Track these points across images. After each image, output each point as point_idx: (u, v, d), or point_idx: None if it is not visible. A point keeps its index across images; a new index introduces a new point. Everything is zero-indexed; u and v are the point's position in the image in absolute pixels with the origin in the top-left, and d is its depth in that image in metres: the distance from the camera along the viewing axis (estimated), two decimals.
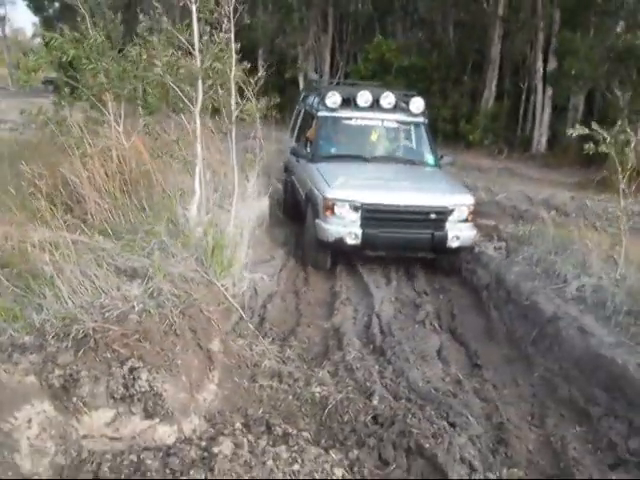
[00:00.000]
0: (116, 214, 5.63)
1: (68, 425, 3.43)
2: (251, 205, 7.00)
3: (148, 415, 3.55)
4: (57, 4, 34.71)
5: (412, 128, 9.27)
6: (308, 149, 9.05)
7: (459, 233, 7.55)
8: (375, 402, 4.51)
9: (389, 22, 20.17)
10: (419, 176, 8.57)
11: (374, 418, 4.29)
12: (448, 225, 7.54)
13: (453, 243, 7.54)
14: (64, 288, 4.15)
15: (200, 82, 5.67)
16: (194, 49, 5.52)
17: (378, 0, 19.63)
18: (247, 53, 17.82)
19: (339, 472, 3.71)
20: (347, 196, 7.50)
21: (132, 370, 3.57)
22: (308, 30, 20.09)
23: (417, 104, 8.98)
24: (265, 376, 4.73)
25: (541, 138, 17.71)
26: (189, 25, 5.54)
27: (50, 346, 3.66)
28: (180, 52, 5.61)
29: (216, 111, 6.34)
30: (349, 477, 3.70)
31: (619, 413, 4.55)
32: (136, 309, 4.05)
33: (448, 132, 18.40)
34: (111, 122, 6.51)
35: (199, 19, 5.51)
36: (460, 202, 7.67)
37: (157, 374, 3.63)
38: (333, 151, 8.97)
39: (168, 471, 3.23)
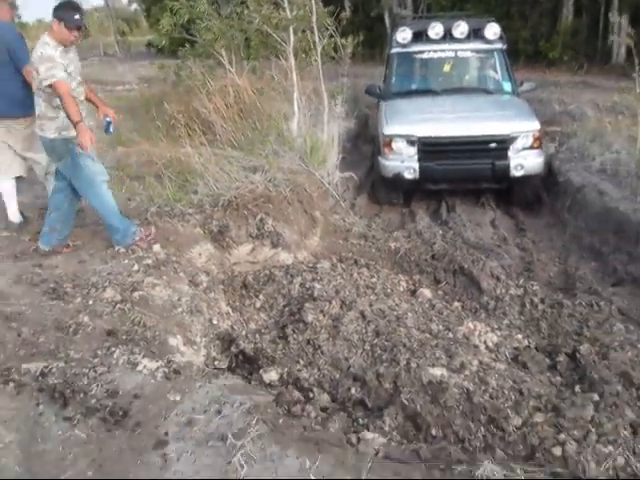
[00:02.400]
0: (237, 133, 7.52)
1: (223, 257, 5.37)
2: (339, 123, 8.64)
3: (274, 246, 5.46)
4: None
5: (488, 56, 8.85)
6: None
7: (523, 161, 7.31)
8: (435, 248, 6.19)
9: None
10: (487, 105, 8.14)
11: (432, 257, 6.00)
12: (510, 154, 7.32)
13: (517, 172, 7.32)
14: (210, 179, 6.07)
15: (291, 28, 7.39)
16: (283, 2, 7.23)
17: None
18: None
19: (404, 284, 5.49)
20: (403, 131, 7.52)
21: (261, 219, 5.48)
22: None
23: (493, 30, 8.59)
24: (354, 237, 6.53)
25: (620, 49, 18.15)
26: None
27: (207, 211, 5.60)
28: (272, 6, 7.32)
29: (307, 51, 8.04)
30: (412, 287, 5.46)
31: (622, 248, 6.02)
32: (259, 188, 5.92)
33: (529, 52, 19.10)
34: (225, 65, 8.35)
35: None
36: (524, 129, 7.39)
37: (278, 223, 5.52)
38: (404, 87, 8.88)
39: (289, 276, 5.09)
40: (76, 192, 4.82)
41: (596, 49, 19.20)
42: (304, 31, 7.57)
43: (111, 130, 4.75)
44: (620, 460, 2.85)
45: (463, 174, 7.51)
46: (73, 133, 4.39)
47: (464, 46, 8.66)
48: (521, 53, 18.76)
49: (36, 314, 3.81)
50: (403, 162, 7.45)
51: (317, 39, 7.53)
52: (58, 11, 4.39)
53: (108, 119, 4.68)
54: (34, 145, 5.08)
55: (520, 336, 4.54)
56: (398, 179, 7.55)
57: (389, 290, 5.17)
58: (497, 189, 7.90)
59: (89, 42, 38.73)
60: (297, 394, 3.29)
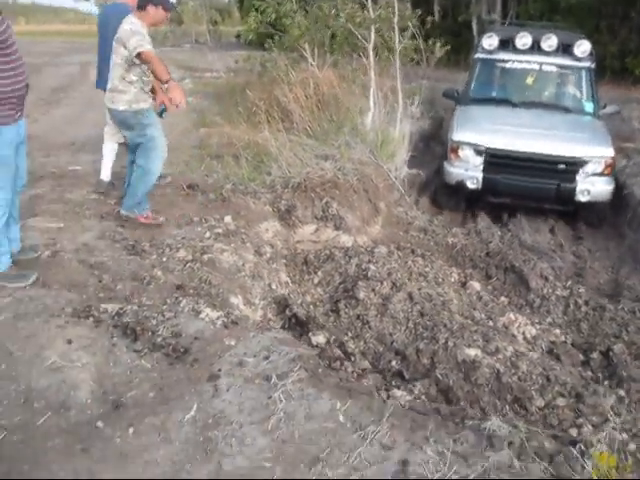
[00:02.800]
0: (314, 123, 7.93)
1: (289, 234, 5.78)
2: (413, 122, 8.95)
3: (336, 229, 5.84)
4: None
5: (573, 73, 8.63)
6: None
7: (591, 187, 7.16)
8: (490, 246, 6.43)
9: None
10: (563, 124, 7.93)
11: (487, 254, 6.24)
12: (579, 177, 7.18)
13: (582, 197, 7.18)
14: (283, 162, 6.50)
15: (372, 27, 7.75)
16: (367, 2, 7.59)
17: None
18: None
19: (456, 276, 5.77)
20: (472, 139, 7.48)
21: (327, 203, 5.87)
22: None
23: (583, 47, 8.33)
24: (415, 229, 6.83)
25: None
26: None
27: (277, 191, 6.03)
28: (357, 5, 7.70)
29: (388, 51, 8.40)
30: (462, 280, 5.74)
31: None
32: (328, 174, 6.30)
33: (615, 68, 18.86)
34: (308, 59, 8.78)
35: None
36: (596, 154, 7.25)
37: (342, 207, 5.90)
38: (483, 94, 8.76)
39: (347, 257, 5.46)
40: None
41: None
42: (385, 31, 7.89)
43: (163, 116, 5.26)
44: (632, 446, 3.07)
45: (527, 192, 7.35)
46: (142, 105, 4.85)
47: (550, 60, 8.43)
48: (607, 68, 18.51)
49: (116, 265, 4.29)
50: (467, 171, 7.43)
51: (397, 40, 7.84)
52: None
53: (163, 106, 5.21)
54: None
55: (558, 331, 4.77)
56: (460, 187, 7.53)
57: (440, 279, 5.46)
58: (562, 211, 7.70)
59: (182, 29, 40.08)
60: (339, 352, 3.66)
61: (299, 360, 3.15)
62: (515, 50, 8.50)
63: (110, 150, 5.83)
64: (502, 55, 8.60)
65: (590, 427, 3.27)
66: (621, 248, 6.94)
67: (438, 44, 8.64)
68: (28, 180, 4.29)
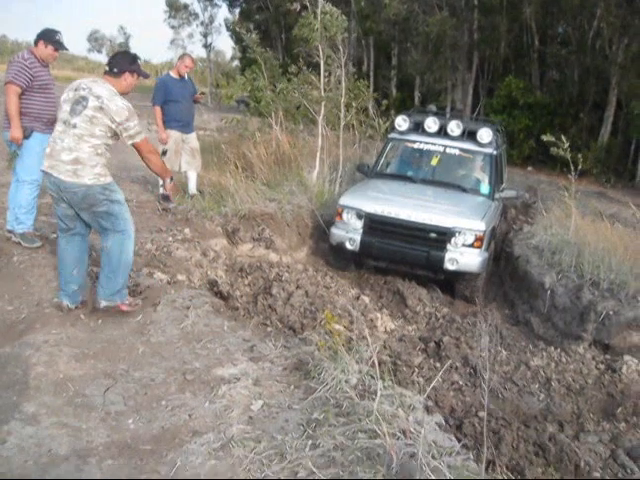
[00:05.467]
0: (270, 173, 10.03)
1: (232, 249, 7.74)
2: (347, 180, 11.01)
3: (267, 248, 7.82)
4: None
5: (475, 157, 9.18)
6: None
7: (459, 257, 7.54)
8: (387, 278, 8.38)
9: (524, 62, 23.49)
10: (448, 199, 8.27)
11: (384, 282, 8.19)
12: (449, 247, 7.58)
13: (451, 265, 7.55)
14: (237, 199, 8.52)
15: (322, 104, 9.95)
16: (320, 84, 9.81)
17: (515, 45, 23.15)
18: (405, 84, 22.53)
19: (353, 292, 7.71)
20: (354, 204, 7.94)
21: (262, 229, 7.87)
22: (454, 68, 23.94)
23: (484, 134, 8.95)
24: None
25: None
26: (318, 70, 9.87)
27: (228, 218, 8.03)
28: (309, 86, 9.93)
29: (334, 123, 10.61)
30: (357, 295, 7.67)
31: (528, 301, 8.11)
32: (269, 210, 8.33)
33: (564, 161, 21.31)
34: (273, 124, 10.97)
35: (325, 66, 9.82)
36: (466, 226, 7.60)
37: (274, 234, 7.91)
38: (388, 170, 9.38)
39: (271, 268, 7.40)
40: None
41: (626, 168, 21.28)
42: (332, 107, 10.10)
43: None
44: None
45: (400, 256, 7.77)
46: (109, 179, 4.53)
47: (454, 144, 9.00)
48: (557, 161, 20.96)
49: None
50: (347, 233, 7.91)
51: (342, 115, 10.04)
52: (133, 65, 4.67)
53: None
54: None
55: (410, 328, 6.73)
56: (341, 248, 8.06)
57: (339, 292, 7.41)
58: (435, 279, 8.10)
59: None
60: (238, 305, 5.61)
61: (210, 303, 5.10)
62: (424, 133, 9.21)
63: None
64: (410, 136, 9.28)
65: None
66: (497, 289, 8.93)
67: (382, 122, 10.79)
68: None
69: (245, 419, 3.33)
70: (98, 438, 3.10)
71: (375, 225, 7.81)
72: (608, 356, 6.26)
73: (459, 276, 7.83)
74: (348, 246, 7.91)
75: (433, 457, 3.00)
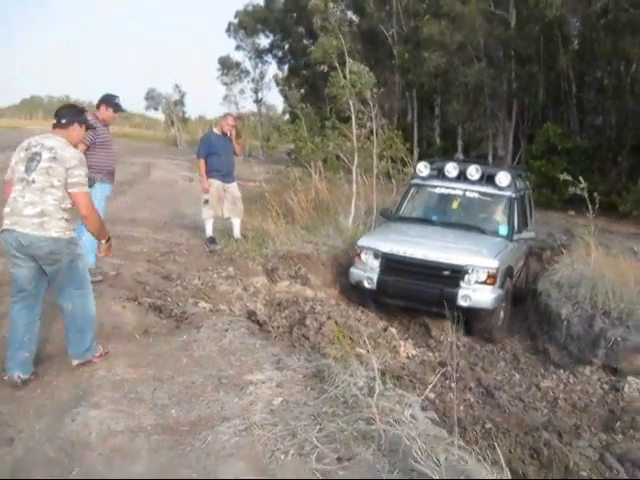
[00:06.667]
0: (309, 219, 10.88)
1: (271, 286, 8.53)
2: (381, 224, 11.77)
3: (303, 285, 8.59)
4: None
5: (494, 200, 9.36)
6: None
7: (472, 294, 7.74)
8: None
9: (563, 109, 24.05)
10: (466, 240, 8.52)
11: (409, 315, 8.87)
12: (462, 284, 7.80)
13: (463, 302, 7.72)
14: (277, 242, 9.36)
15: (356, 154, 10.81)
16: (352, 135, 10.69)
17: (553, 92, 23.77)
18: (448, 133, 23.60)
19: (382, 324, 8.39)
20: (372, 244, 8.35)
21: (299, 267, 8.67)
22: (494, 117, 24.68)
23: (502, 178, 9.18)
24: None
25: None
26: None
27: (268, 257, 8.86)
28: (344, 138, 10.82)
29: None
30: (386, 326, 8.34)
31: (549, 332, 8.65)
32: (305, 251, 9.13)
33: (604, 204, 21.59)
34: (312, 174, 11.89)
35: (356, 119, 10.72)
36: (479, 264, 7.85)
37: (309, 272, 8.69)
38: (411, 214, 9.70)
39: (306, 302, 8.13)
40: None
41: None
42: (365, 158, 10.96)
43: None
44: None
45: (415, 294, 7.98)
46: (74, 234, 4.58)
47: (474, 188, 9.31)
48: (597, 203, 21.22)
49: (154, 284, 7.12)
50: (365, 272, 8.29)
51: (375, 164, 10.87)
52: (80, 116, 4.71)
53: None
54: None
55: (431, 354, 7.37)
56: (359, 287, 8.45)
57: (369, 324, 8.10)
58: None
59: (240, 143, 44.33)
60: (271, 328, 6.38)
61: (246, 327, 5.89)
62: (444, 178, 9.60)
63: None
64: (432, 182, 9.69)
65: None
66: (521, 323, 9.48)
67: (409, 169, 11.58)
68: None
69: (267, 411, 4.05)
70: (147, 421, 3.88)
71: (391, 264, 8.17)
72: (613, 377, 6.77)
73: (474, 313, 7.94)
74: (366, 285, 8.28)
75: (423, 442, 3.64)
